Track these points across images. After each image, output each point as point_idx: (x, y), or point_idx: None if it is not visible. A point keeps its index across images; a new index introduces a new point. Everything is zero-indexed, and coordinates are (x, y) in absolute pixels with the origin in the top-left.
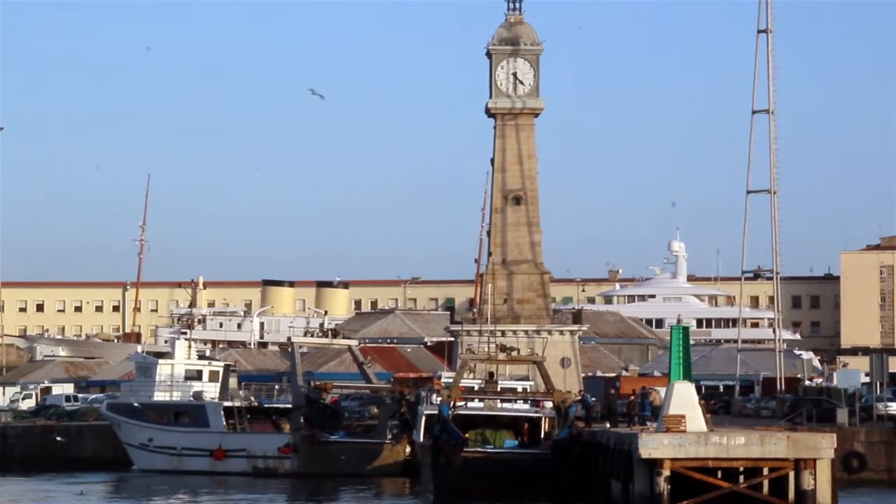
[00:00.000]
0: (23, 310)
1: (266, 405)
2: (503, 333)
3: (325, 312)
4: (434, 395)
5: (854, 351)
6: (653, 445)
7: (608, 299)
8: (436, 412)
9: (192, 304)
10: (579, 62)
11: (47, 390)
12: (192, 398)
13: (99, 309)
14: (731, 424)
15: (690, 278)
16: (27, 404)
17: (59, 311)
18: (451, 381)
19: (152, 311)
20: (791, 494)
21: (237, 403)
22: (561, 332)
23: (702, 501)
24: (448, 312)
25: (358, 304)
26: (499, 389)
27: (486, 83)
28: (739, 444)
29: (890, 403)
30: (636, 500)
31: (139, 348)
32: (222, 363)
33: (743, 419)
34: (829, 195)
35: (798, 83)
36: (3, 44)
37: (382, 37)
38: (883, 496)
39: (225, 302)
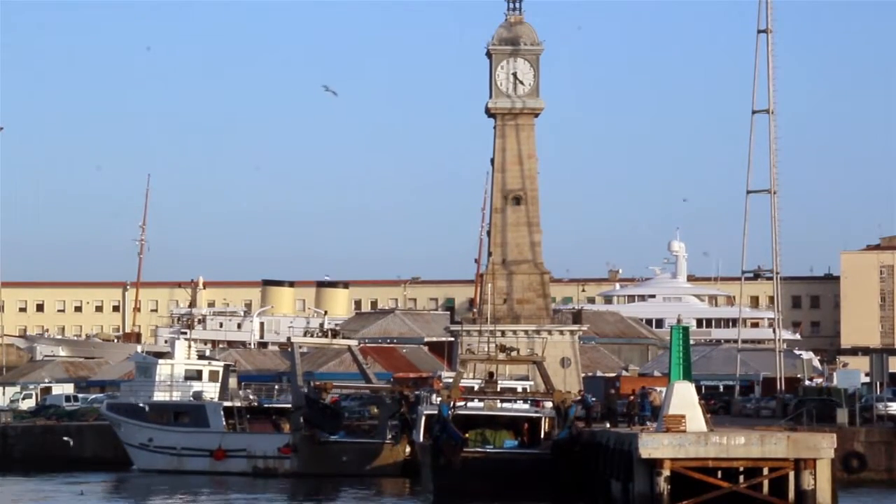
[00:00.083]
0: (23, 310)
1: (266, 405)
2: (503, 333)
3: (325, 312)
4: (434, 395)
5: (854, 351)
6: (653, 445)
7: (608, 299)
8: (436, 412)
9: (192, 304)
10: (579, 62)
11: (47, 390)
12: (192, 398)
13: (99, 309)
14: (731, 424)
15: (690, 278)
16: (27, 404)
17: (59, 311)
18: (450, 381)
19: (152, 311)
20: (791, 494)
21: (237, 403)
22: (561, 332)
23: (702, 501)
24: (448, 312)
25: (358, 304)
26: (499, 389)
27: (486, 83)
28: (739, 444)
29: (890, 403)
30: (636, 500)
31: (139, 348)
32: (222, 363)
33: (743, 419)
34: (829, 195)
35: (798, 83)
36: (3, 44)
37: (382, 37)
38: (883, 496)
39: (225, 302)
